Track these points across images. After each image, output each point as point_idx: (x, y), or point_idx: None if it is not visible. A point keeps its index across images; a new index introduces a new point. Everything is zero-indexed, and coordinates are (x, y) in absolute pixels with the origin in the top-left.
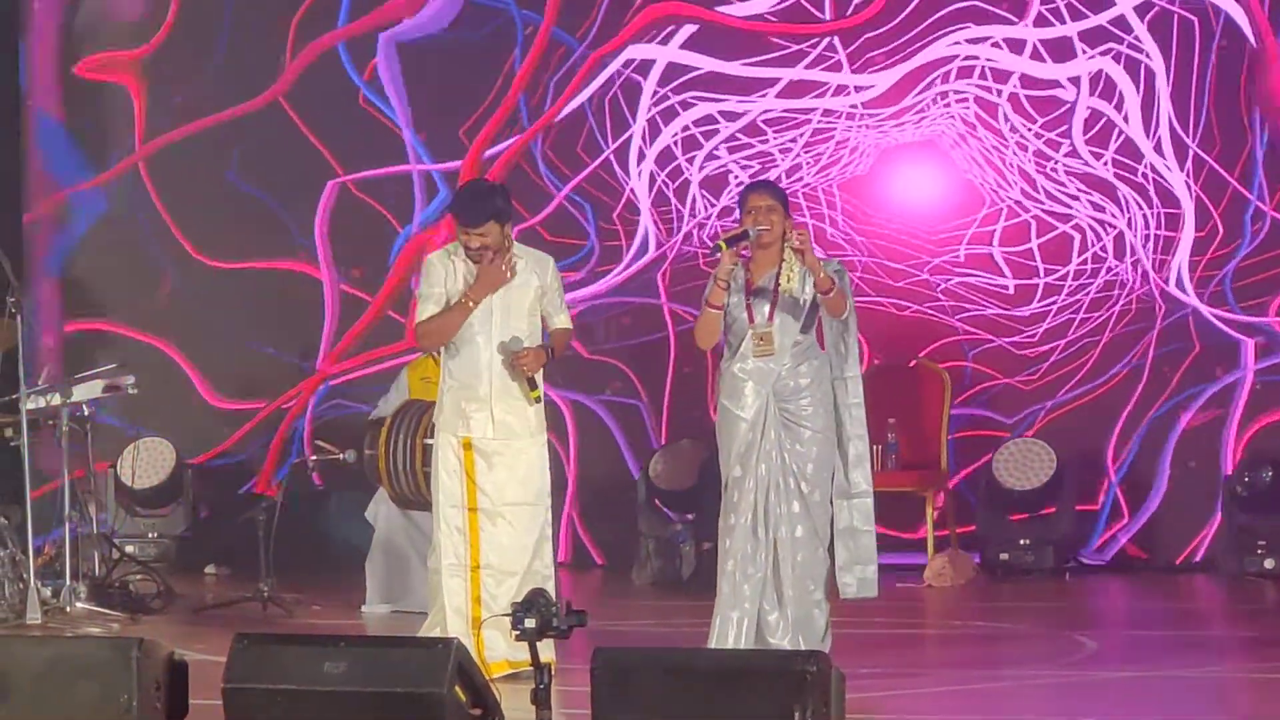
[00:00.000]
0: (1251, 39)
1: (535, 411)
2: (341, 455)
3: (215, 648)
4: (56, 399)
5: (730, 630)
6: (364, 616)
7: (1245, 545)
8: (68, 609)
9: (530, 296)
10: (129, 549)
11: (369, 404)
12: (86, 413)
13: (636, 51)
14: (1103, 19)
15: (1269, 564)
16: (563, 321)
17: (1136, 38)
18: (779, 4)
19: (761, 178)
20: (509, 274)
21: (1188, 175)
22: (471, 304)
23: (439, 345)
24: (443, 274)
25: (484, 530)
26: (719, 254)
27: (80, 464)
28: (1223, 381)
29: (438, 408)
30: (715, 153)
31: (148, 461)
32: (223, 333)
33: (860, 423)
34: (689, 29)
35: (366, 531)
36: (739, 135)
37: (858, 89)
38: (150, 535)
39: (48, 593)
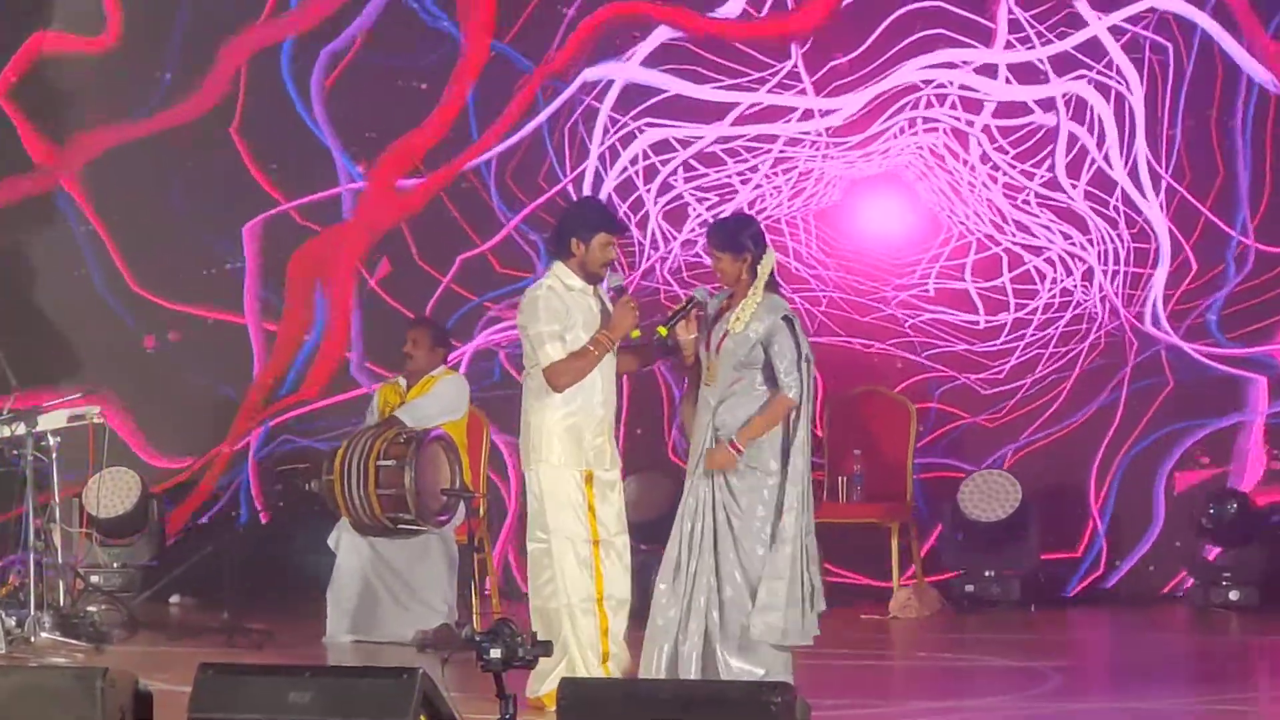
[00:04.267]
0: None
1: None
2: (307, 485)
3: (180, 678)
4: (21, 428)
5: (654, 658)
6: (327, 646)
7: (1211, 577)
8: (32, 639)
9: None
10: (94, 579)
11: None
12: (51, 442)
13: (596, 73)
14: (1071, 43)
15: (1234, 596)
16: None
17: (1106, 65)
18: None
19: (719, 217)
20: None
21: (1161, 207)
22: (612, 344)
23: (574, 384)
24: (561, 310)
25: (604, 562)
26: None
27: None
28: (1219, 423)
29: (547, 443)
30: (671, 181)
31: (113, 491)
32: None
33: (799, 472)
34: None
35: (330, 559)
36: (694, 163)
37: (823, 113)
38: (115, 565)
39: (12, 623)
